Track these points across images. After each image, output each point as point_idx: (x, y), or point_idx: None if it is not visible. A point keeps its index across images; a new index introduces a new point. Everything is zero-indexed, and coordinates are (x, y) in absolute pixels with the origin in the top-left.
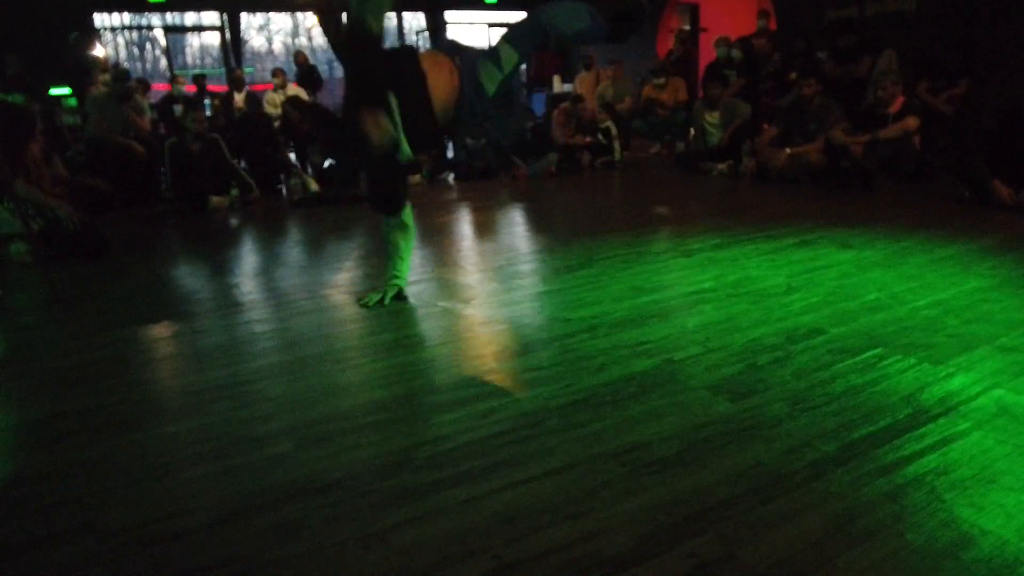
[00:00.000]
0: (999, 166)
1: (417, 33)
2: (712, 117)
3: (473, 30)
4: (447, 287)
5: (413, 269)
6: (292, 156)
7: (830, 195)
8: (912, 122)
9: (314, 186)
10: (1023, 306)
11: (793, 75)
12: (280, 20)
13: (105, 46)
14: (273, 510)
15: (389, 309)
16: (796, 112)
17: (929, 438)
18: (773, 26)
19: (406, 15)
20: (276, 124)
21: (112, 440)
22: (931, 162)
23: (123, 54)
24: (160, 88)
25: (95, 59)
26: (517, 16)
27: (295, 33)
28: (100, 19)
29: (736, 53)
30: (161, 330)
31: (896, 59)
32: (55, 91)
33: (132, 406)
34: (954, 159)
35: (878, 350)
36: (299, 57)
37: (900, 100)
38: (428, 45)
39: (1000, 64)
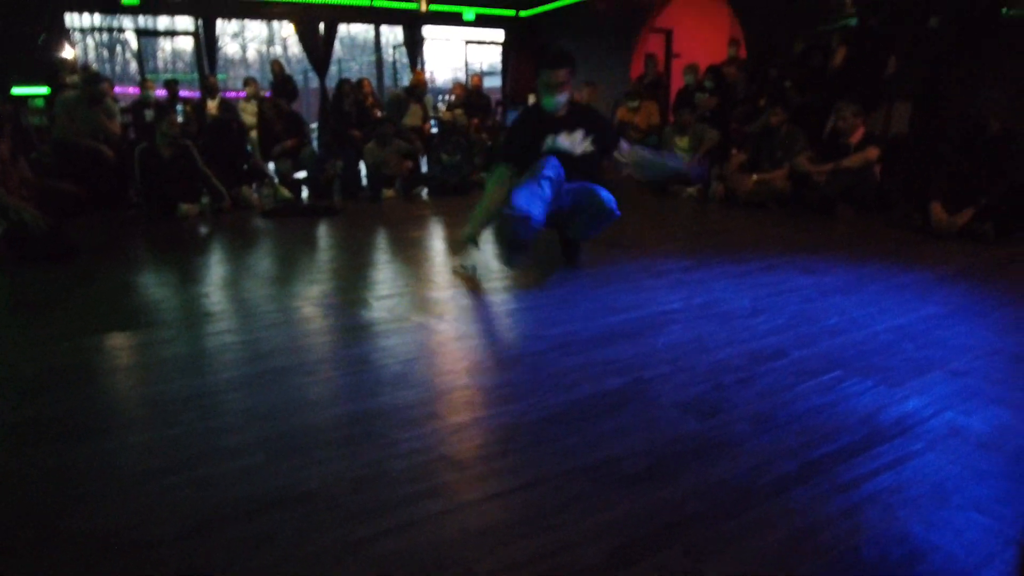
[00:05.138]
0: (950, 188)
1: (394, 48)
2: (682, 142)
3: (450, 46)
4: (420, 302)
5: (385, 283)
6: (269, 166)
7: (794, 221)
8: (873, 152)
9: (286, 193)
10: (974, 332)
11: (762, 102)
12: (255, 28)
13: (75, 47)
14: (244, 521)
15: (361, 323)
16: (764, 139)
17: (885, 457)
18: (743, 54)
19: (384, 29)
20: (252, 133)
21: (77, 449)
22: (890, 191)
23: (93, 55)
24: (124, 89)
25: (64, 60)
26: (494, 34)
27: (270, 41)
28: (71, 19)
29: (708, 84)
30: (129, 338)
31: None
32: (20, 91)
33: (98, 415)
34: (907, 183)
35: (838, 372)
36: (275, 66)
37: (861, 131)
38: (405, 60)
39: (959, 91)
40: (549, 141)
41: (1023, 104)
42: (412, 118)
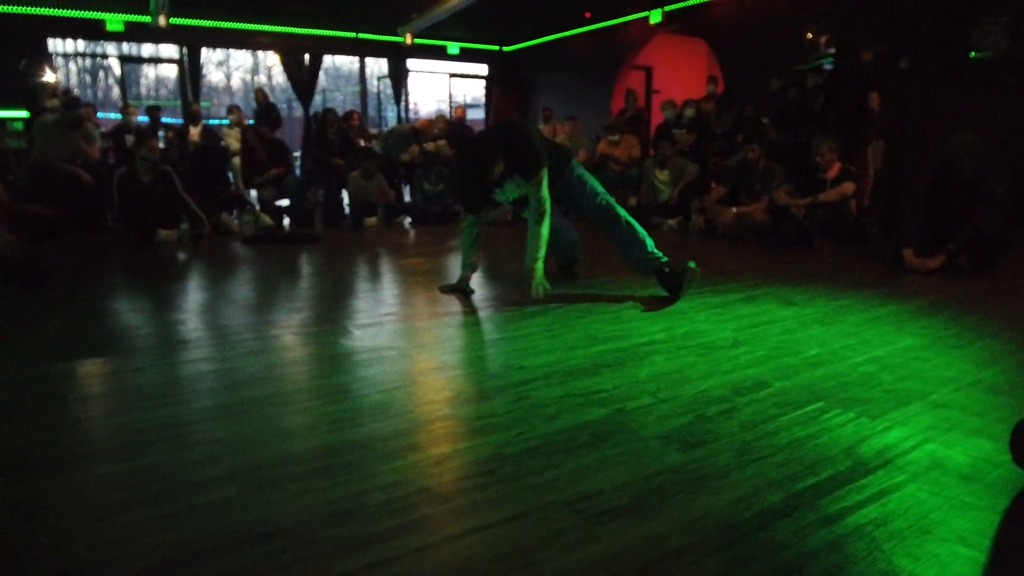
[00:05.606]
0: (923, 229)
1: (379, 79)
2: (662, 175)
3: (434, 79)
4: (401, 331)
5: (366, 311)
6: (252, 193)
7: (773, 253)
8: (849, 187)
9: (267, 220)
10: (952, 364)
11: (739, 137)
12: (240, 57)
13: (56, 71)
14: (216, 558)
15: (341, 352)
16: (742, 173)
17: (868, 490)
18: (720, 91)
19: (369, 61)
20: (235, 159)
21: (43, 481)
22: (866, 225)
23: (75, 81)
24: (107, 114)
25: (44, 84)
26: (478, 67)
27: (255, 70)
28: (54, 44)
29: (690, 113)
30: (100, 366)
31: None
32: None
33: (66, 445)
34: (882, 218)
35: (819, 403)
36: (259, 95)
37: (837, 166)
38: (390, 92)
39: (930, 132)
40: (500, 197)
41: (995, 145)
42: (407, 155)
